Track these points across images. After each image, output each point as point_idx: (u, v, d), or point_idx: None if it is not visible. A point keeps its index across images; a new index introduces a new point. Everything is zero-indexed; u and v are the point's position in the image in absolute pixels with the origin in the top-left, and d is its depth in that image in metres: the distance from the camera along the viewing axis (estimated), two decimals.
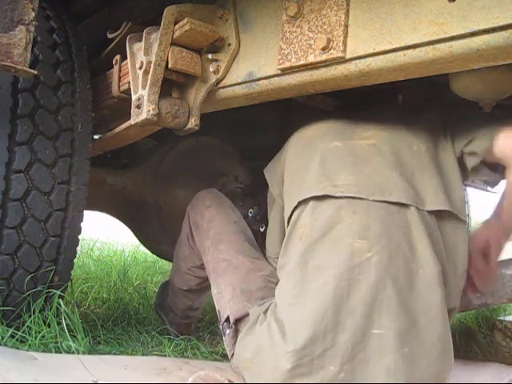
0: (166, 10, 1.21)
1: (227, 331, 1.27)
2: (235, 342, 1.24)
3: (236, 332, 1.25)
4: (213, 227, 1.50)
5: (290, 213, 1.21)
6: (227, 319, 1.29)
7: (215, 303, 1.39)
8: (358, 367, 1.01)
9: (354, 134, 1.26)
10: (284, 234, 1.27)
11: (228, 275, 1.37)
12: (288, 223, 1.23)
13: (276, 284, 1.31)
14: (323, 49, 1.02)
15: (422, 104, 1.86)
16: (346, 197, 1.12)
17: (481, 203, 3.48)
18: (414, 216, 1.10)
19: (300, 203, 1.18)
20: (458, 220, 1.16)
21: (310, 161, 1.24)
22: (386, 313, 1.02)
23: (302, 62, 1.06)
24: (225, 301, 1.32)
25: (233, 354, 1.25)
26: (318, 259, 1.09)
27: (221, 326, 1.32)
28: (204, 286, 1.70)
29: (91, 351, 1.38)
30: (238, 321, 1.26)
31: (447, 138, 1.27)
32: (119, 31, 1.47)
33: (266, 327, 1.12)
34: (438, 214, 1.14)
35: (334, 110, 1.67)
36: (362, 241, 1.07)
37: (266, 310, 1.19)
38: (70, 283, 1.49)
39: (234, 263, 1.38)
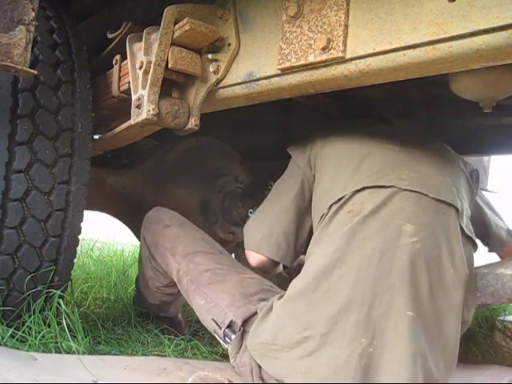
0: (166, 10, 1.21)
1: (232, 336, 1.25)
2: (241, 346, 1.22)
3: (243, 334, 1.23)
4: (180, 243, 1.48)
5: (344, 195, 1.22)
6: (230, 324, 1.26)
7: (203, 314, 1.36)
8: (388, 346, 1.02)
9: (403, 144, 1.32)
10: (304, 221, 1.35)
11: (217, 284, 1.34)
12: (332, 204, 1.24)
13: (270, 288, 1.31)
14: (323, 49, 1.02)
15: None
16: (410, 190, 1.19)
17: None
18: (454, 219, 1.20)
19: (364, 188, 1.21)
20: (473, 248, 1.29)
21: (366, 154, 1.29)
22: (420, 298, 1.06)
23: (302, 62, 1.06)
24: (222, 308, 1.30)
25: (235, 359, 1.23)
26: (367, 232, 1.13)
27: (222, 333, 1.28)
28: (175, 298, 1.69)
29: (91, 351, 1.38)
30: (245, 322, 1.24)
31: (476, 182, 1.43)
32: (119, 31, 1.46)
33: (283, 303, 1.13)
34: (464, 234, 1.24)
35: (343, 116, 1.74)
36: (410, 225, 1.13)
37: (281, 296, 1.18)
38: (70, 283, 1.49)
39: (219, 273, 1.36)
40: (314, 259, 1.18)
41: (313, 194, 1.37)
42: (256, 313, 1.24)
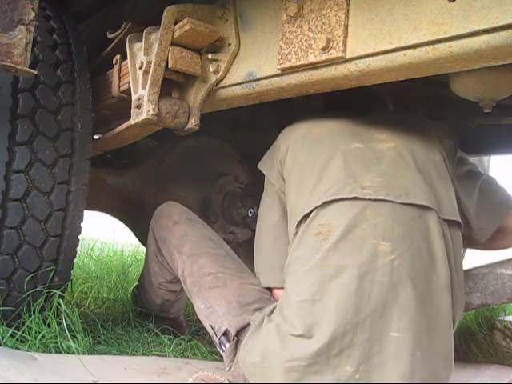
0: (166, 10, 1.21)
1: (227, 345, 1.25)
2: (235, 355, 1.22)
3: (237, 343, 1.23)
4: (187, 242, 1.46)
5: (308, 211, 1.17)
6: (225, 333, 1.26)
7: (203, 318, 1.36)
8: (374, 370, 1.01)
9: (371, 137, 1.25)
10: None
11: (217, 289, 1.33)
12: (300, 221, 1.19)
13: (269, 297, 1.30)
14: (323, 49, 1.02)
15: (426, 109, 1.88)
16: (374, 199, 1.12)
17: None
18: (433, 221, 1.12)
19: (324, 203, 1.15)
20: (459, 232, 1.21)
21: (328, 160, 1.21)
22: (405, 316, 1.03)
23: (302, 62, 1.06)
24: (219, 315, 1.29)
25: (231, 367, 1.23)
26: (341, 258, 1.08)
27: (217, 340, 1.29)
28: (179, 297, 1.68)
29: (91, 351, 1.38)
30: (239, 332, 1.24)
31: (455, 155, 1.33)
32: (119, 31, 1.46)
33: (274, 328, 1.11)
34: (450, 223, 1.17)
35: (329, 109, 1.61)
36: (386, 243, 1.08)
37: (271, 312, 1.17)
38: (69, 283, 1.49)
39: (220, 277, 1.35)
40: (293, 291, 1.13)
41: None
42: (250, 323, 1.23)
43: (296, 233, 1.20)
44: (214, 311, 1.31)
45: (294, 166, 1.28)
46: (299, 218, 1.19)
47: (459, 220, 1.19)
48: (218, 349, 1.30)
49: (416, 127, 1.30)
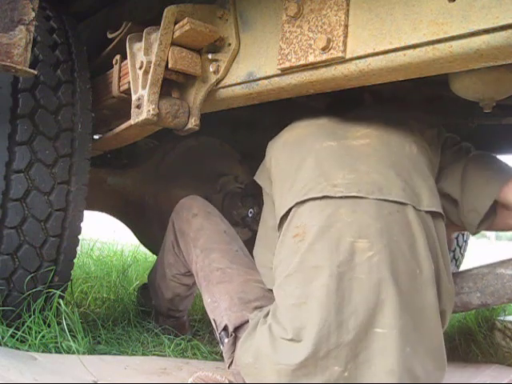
0: (166, 10, 1.21)
1: (226, 340, 1.25)
2: (234, 350, 1.22)
3: (235, 340, 1.23)
4: (202, 235, 1.48)
5: (284, 212, 1.19)
6: (225, 328, 1.27)
7: (208, 312, 1.37)
8: (362, 366, 1.01)
9: (346, 134, 1.26)
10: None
11: (223, 284, 1.34)
12: (280, 224, 1.21)
13: (272, 295, 1.30)
14: (323, 49, 1.02)
15: (405, 103, 1.86)
16: (345, 196, 1.11)
17: None
18: (412, 215, 1.11)
19: (297, 204, 1.16)
20: (443, 222, 1.19)
21: (302, 160, 1.22)
22: (389, 312, 1.02)
23: (302, 62, 1.06)
24: (221, 310, 1.30)
25: (231, 362, 1.23)
26: (318, 259, 1.08)
27: (218, 335, 1.30)
28: (189, 292, 1.70)
29: (91, 351, 1.38)
30: (237, 329, 1.24)
31: (439, 142, 1.31)
32: (119, 31, 1.46)
33: (266, 330, 1.11)
34: (433, 215, 1.16)
35: (321, 109, 1.65)
36: (362, 240, 1.07)
37: (267, 314, 1.18)
38: (69, 283, 1.49)
39: (228, 272, 1.36)
40: (280, 296, 1.14)
41: None
42: (248, 321, 1.24)
43: (279, 236, 1.21)
44: (218, 306, 1.32)
45: (276, 172, 1.30)
46: (278, 221, 1.21)
47: (441, 211, 1.17)
48: (220, 343, 1.31)
49: (394, 122, 1.28)
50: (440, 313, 1.11)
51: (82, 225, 1.45)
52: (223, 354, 1.28)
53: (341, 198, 1.11)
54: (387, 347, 1.01)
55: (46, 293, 1.37)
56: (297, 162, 1.23)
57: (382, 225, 1.08)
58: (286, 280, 1.13)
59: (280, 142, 1.34)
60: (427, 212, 1.14)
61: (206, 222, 1.51)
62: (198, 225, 1.51)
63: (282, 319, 1.10)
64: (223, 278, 1.36)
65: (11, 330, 1.28)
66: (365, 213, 1.10)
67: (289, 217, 1.18)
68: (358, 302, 1.03)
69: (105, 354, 1.41)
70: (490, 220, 1.28)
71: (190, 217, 1.55)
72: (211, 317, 1.34)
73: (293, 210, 1.17)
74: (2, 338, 1.25)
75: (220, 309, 1.31)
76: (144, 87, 1.24)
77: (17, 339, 1.28)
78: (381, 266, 1.04)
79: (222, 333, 1.28)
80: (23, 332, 1.30)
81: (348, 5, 1.01)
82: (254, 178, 1.43)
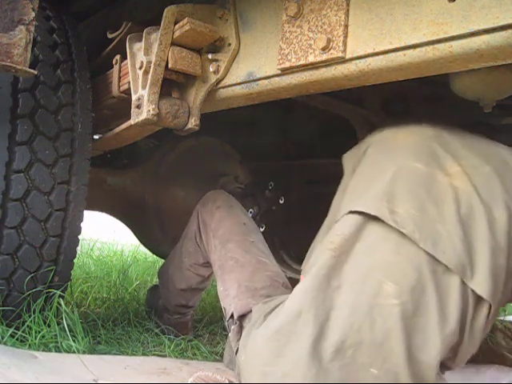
0: (166, 10, 1.21)
1: (232, 327, 1.28)
2: (239, 338, 1.24)
3: (240, 328, 1.26)
4: (222, 227, 1.52)
5: (338, 218, 1.10)
6: (232, 316, 1.30)
7: (220, 300, 1.40)
8: None
9: (441, 162, 1.07)
10: None
11: (235, 273, 1.38)
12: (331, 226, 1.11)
13: (279, 285, 1.30)
14: (323, 49, 1.02)
15: None
16: (396, 229, 0.99)
17: None
18: (455, 286, 0.97)
19: (351, 212, 1.06)
20: (487, 311, 1.00)
21: (383, 170, 1.09)
22: (389, 361, 0.95)
23: (302, 62, 1.06)
24: (230, 298, 1.34)
25: (237, 350, 1.24)
26: (342, 281, 1.01)
27: (226, 323, 1.34)
28: (202, 285, 1.72)
29: (91, 351, 1.38)
30: (241, 317, 1.27)
31: None
32: (119, 31, 1.46)
33: (256, 339, 1.09)
34: (478, 298, 0.98)
35: (421, 119, 1.45)
36: (392, 284, 0.97)
37: (270, 312, 1.16)
38: (69, 283, 1.49)
39: (240, 261, 1.39)
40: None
41: None
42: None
43: (325, 229, 1.16)
44: (228, 294, 1.36)
45: (361, 167, 1.18)
46: (331, 224, 1.13)
47: (490, 300, 0.97)
48: (228, 331, 1.34)
49: (503, 167, 1.07)
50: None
51: (81, 225, 1.45)
52: (230, 341, 1.30)
53: (391, 227, 1.00)
54: None
55: (46, 293, 1.37)
56: (379, 169, 1.11)
57: (419, 281, 0.97)
58: (308, 287, 1.05)
59: (380, 137, 1.21)
60: (473, 291, 0.97)
61: (228, 215, 1.55)
62: (220, 216, 1.55)
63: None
64: (235, 268, 1.39)
65: (11, 330, 1.28)
66: (408, 260, 0.98)
67: (339, 221, 1.09)
68: (365, 339, 0.96)
69: (105, 353, 1.41)
70: None
71: (213, 209, 1.59)
72: (222, 305, 1.38)
73: (346, 217, 1.08)
74: (2, 338, 1.25)
75: (229, 297, 1.34)
76: (144, 87, 1.24)
77: (17, 339, 1.28)
78: (399, 318, 0.95)
79: (230, 320, 1.31)
80: (23, 332, 1.30)
81: (348, 5, 1.01)
82: (343, 156, 1.29)
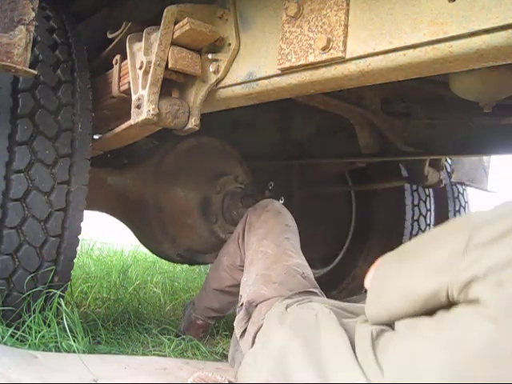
0: (166, 10, 1.21)
1: (239, 311, 1.33)
2: (247, 321, 1.28)
3: (247, 315, 1.29)
4: (264, 226, 1.56)
5: None
6: (242, 303, 1.34)
7: (241, 289, 1.44)
8: None
9: None
10: None
11: (259, 265, 1.42)
12: None
13: (301, 275, 1.33)
14: (323, 49, 1.02)
15: None
16: None
17: (481, 203, 3.48)
18: None
19: None
20: None
21: None
22: None
23: (302, 62, 1.06)
24: (247, 286, 1.38)
25: (243, 331, 1.28)
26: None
27: (238, 309, 1.37)
28: (234, 290, 1.68)
29: (91, 351, 1.38)
30: (250, 303, 1.30)
31: None
32: (119, 31, 1.47)
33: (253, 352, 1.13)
34: None
35: None
36: None
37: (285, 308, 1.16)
38: (69, 283, 1.49)
39: (268, 254, 1.43)
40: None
41: None
42: (264, 300, 1.27)
43: None
44: (247, 283, 1.40)
45: None
46: None
47: None
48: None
49: None
50: None
51: (81, 225, 1.45)
52: (234, 325, 1.33)
53: None
54: None
55: (46, 293, 1.37)
56: None
57: None
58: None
59: None
60: None
61: (273, 217, 1.59)
62: (266, 217, 1.59)
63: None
64: (261, 260, 1.42)
65: (11, 330, 1.27)
66: None
67: None
68: None
69: (105, 353, 1.41)
70: None
71: (261, 211, 1.63)
72: (240, 293, 1.42)
73: None
74: (2, 338, 1.25)
75: (246, 285, 1.39)
76: (144, 87, 1.24)
77: (17, 339, 1.28)
78: None
79: (240, 306, 1.35)
80: (23, 332, 1.30)
81: (348, 5, 1.01)
82: None
